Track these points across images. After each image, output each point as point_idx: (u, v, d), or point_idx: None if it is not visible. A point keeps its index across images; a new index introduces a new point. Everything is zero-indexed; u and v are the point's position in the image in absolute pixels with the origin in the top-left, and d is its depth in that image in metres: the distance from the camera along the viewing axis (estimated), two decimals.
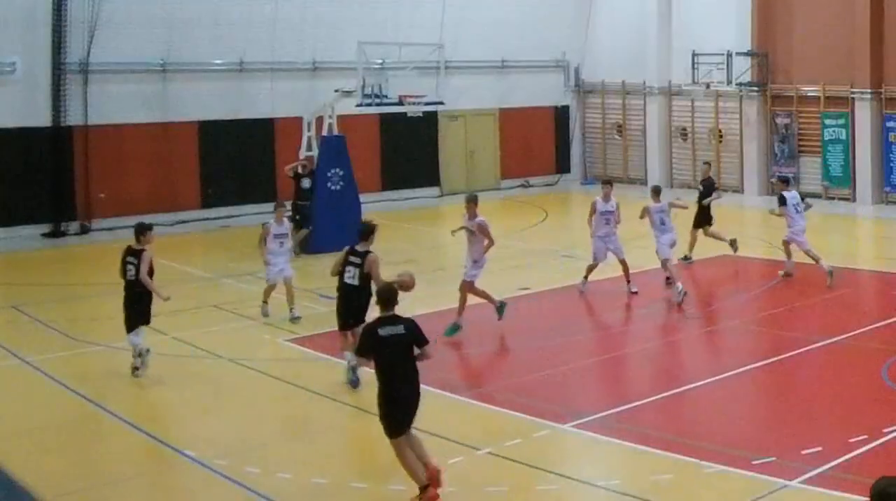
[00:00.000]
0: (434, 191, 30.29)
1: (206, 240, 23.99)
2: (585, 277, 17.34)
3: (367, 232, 12.39)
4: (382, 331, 8.75)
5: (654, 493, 8.97)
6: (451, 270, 19.52)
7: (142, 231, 13.02)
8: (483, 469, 9.69)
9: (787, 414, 11.23)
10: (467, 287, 14.83)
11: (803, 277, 18.47)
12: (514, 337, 14.90)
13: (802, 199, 18.42)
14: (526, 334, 14.87)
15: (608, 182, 18.18)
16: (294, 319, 15.46)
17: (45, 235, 23.69)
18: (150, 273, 12.68)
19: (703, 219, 19.83)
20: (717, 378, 12.56)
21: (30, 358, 13.67)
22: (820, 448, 9.72)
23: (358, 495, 9.26)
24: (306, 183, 21.26)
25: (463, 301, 14.79)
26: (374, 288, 10.83)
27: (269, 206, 25.04)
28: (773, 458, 9.53)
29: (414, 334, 8.84)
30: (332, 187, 21.37)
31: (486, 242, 14.70)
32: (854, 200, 27.15)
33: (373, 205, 24.81)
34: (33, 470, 9.78)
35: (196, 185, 25.94)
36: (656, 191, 17.92)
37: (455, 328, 14.57)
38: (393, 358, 8.77)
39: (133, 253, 12.80)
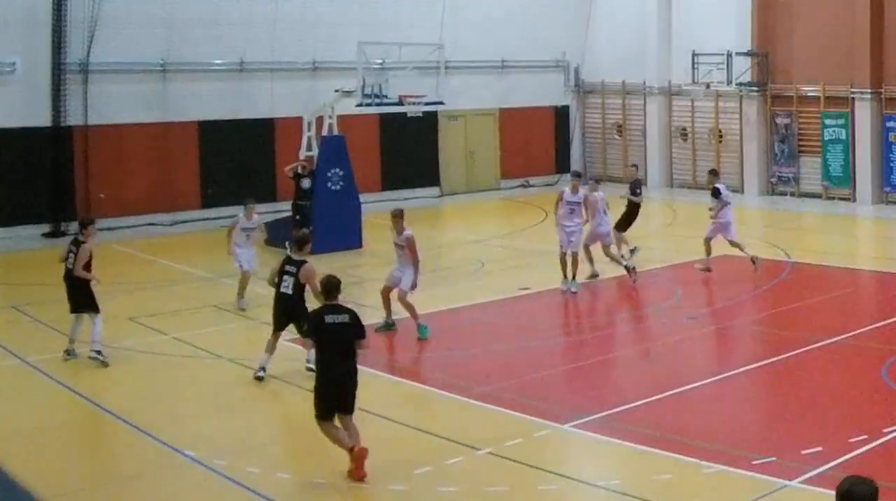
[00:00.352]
0: (434, 191, 30.29)
1: (206, 239, 23.93)
2: (564, 275, 17.23)
3: (302, 241, 12.44)
4: (328, 319, 9.43)
5: (654, 493, 8.97)
6: (451, 270, 19.55)
7: (84, 224, 13.66)
8: (483, 469, 9.69)
9: (787, 414, 11.23)
10: (399, 296, 14.63)
11: (803, 277, 18.49)
12: (514, 337, 14.90)
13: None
14: (526, 334, 14.87)
15: (578, 174, 19.01)
16: (241, 309, 16.23)
17: (45, 235, 23.68)
18: (87, 266, 13.31)
19: (625, 222, 19.95)
20: (717, 378, 12.57)
21: (30, 358, 13.67)
22: (820, 448, 9.73)
23: (358, 495, 9.26)
24: (306, 183, 21.27)
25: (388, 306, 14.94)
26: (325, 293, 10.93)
27: (270, 206, 25.22)
28: (774, 458, 9.54)
29: (355, 325, 9.47)
30: (332, 187, 21.37)
31: (413, 257, 14.55)
32: (854, 200, 27.15)
33: (373, 205, 24.80)
34: (33, 470, 9.78)
35: (196, 185, 25.94)
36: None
37: (389, 325, 14.86)
38: (333, 345, 9.38)
39: (76, 243, 13.47)
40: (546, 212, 26.83)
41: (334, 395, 9.40)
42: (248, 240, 16.83)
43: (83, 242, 13.34)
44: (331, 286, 9.66)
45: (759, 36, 28.66)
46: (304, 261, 12.25)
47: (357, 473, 9.32)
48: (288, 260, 12.45)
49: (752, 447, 9.92)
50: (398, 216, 14.65)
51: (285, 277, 12.30)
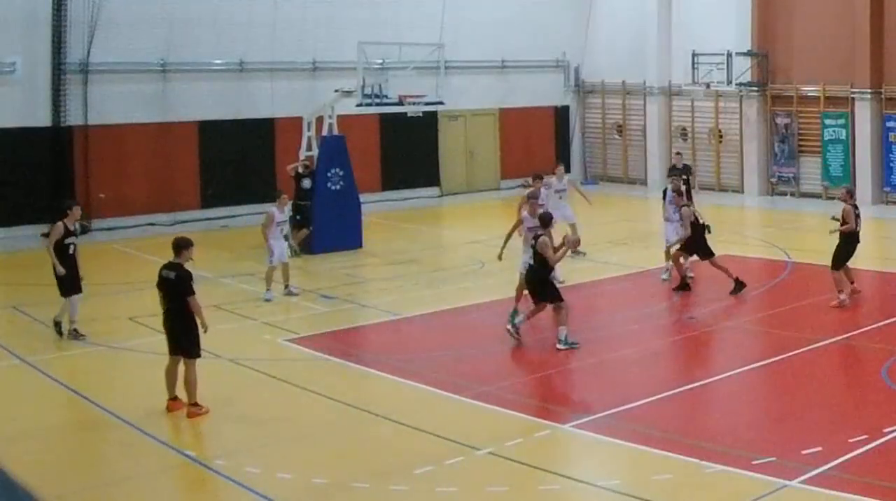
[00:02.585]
0: (434, 190, 30.28)
1: (206, 239, 23.89)
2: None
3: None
4: (163, 273, 11.27)
5: (654, 493, 8.97)
6: (451, 270, 19.55)
7: (68, 206, 14.86)
8: (483, 469, 9.69)
9: (787, 414, 11.23)
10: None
11: (803, 277, 18.49)
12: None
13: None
14: (526, 334, 14.87)
15: (540, 177, 18.69)
16: (291, 294, 17.02)
17: (45, 235, 23.60)
18: (57, 246, 14.21)
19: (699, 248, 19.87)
20: (717, 378, 12.57)
21: (30, 358, 13.67)
22: (820, 448, 9.73)
23: (358, 495, 9.25)
24: (307, 183, 21.28)
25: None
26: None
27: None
28: (773, 458, 9.54)
29: (181, 282, 11.11)
30: (332, 187, 21.37)
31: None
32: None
33: (373, 205, 24.84)
34: (33, 470, 9.78)
35: (196, 185, 25.92)
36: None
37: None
38: (165, 296, 11.23)
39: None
40: None
41: (168, 341, 11.37)
42: (281, 232, 17.45)
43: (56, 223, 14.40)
44: (174, 244, 11.38)
45: (759, 36, 28.66)
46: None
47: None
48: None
49: (752, 447, 9.92)
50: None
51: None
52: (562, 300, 13.80)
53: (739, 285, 16.67)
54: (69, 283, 14.35)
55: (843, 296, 15.85)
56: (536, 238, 14.05)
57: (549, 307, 13.91)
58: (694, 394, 12.05)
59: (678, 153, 23.45)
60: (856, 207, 16.22)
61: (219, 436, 10.84)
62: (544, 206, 16.95)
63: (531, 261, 14.14)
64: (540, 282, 13.98)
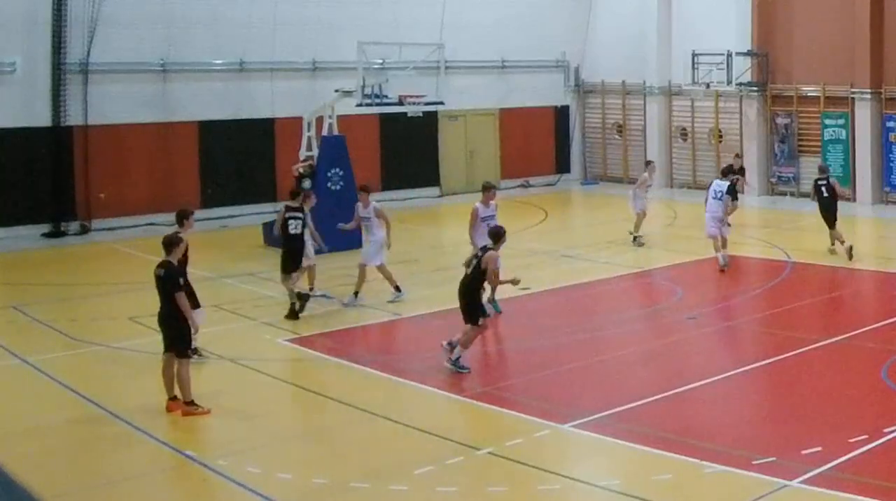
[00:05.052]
0: (434, 190, 30.29)
1: (206, 239, 23.94)
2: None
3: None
4: (155, 271, 11.46)
5: (654, 493, 8.97)
6: (451, 270, 19.53)
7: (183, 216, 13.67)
8: (483, 469, 9.69)
9: (787, 414, 11.23)
10: None
11: (803, 277, 18.50)
12: (515, 337, 14.90)
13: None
14: (526, 334, 14.87)
15: (489, 187, 16.23)
16: (328, 298, 16.63)
17: (45, 235, 23.68)
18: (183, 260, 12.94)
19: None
20: (717, 378, 12.57)
21: (30, 358, 13.67)
22: (820, 448, 9.73)
23: (358, 495, 9.25)
24: (307, 183, 21.26)
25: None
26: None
27: (269, 206, 25.25)
28: (773, 458, 9.54)
29: (169, 279, 11.30)
30: (332, 187, 21.36)
31: None
32: (854, 200, 27.11)
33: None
34: (33, 470, 9.78)
35: (196, 185, 25.92)
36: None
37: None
38: (159, 293, 11.46)
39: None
40: (546, 211, 26.87)
41: (163, 336, 11.54)
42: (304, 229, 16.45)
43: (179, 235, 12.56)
44: (164, 242, 11.60)
45: (759, 36, 28.66)
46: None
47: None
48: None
49: (753, 447, 9.92)
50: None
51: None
52: (482, 326, 12.86)
53: None
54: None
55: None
56: (485, 250, 12.95)
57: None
58: (694, 394, 12.05)
59: (737, 155, 23.27)
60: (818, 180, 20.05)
61: (219, 436, 10.84)
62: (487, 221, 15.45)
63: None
64: (471, 297, 12.87)
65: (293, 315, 15.45)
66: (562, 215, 28.27)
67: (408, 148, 29.19)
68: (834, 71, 27.15)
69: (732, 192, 19.54)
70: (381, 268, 16.58)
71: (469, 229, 15.75)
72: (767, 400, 12.16)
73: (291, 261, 15.78)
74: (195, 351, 12.99)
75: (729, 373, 12.69)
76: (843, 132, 27.30)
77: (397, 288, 16.58)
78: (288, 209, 16.19)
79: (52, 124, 23.76)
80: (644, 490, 8.99)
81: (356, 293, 16.30)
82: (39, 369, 13.23)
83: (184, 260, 12.33)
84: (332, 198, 21.27)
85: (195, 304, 12.76)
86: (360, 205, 16.95)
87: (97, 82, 24.26)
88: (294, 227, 15.98)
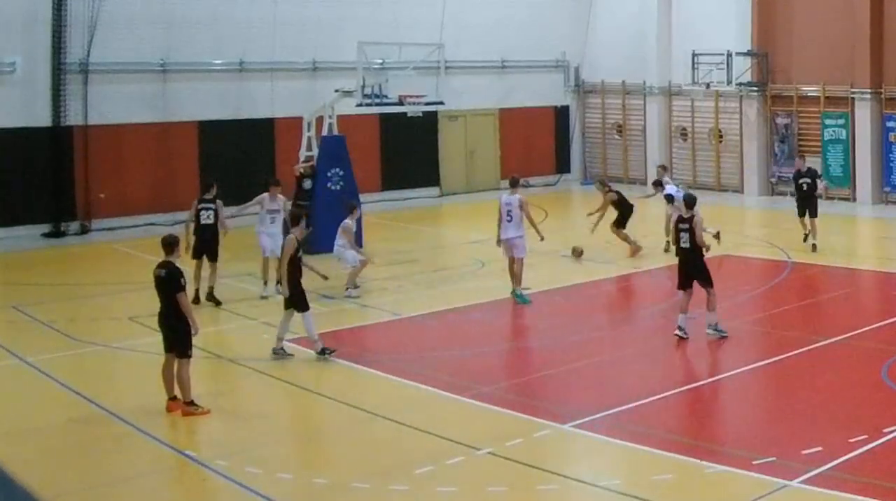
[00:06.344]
0: (434, 190, 30.29)
1: None
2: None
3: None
4: (155, 271, 11.42)
5: (654, 493, 8.97)
6: (451, 270, 19.55)
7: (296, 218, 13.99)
8: (483, 469, 9.69)
9: (787, 414, 11.23)
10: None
11: (803, 277, 18.49)
12: (515, 337, 14.90)
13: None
14: (526, 334, 14.88)
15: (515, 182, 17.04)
16: (264, 297, 16.54)
17: (45, 235, 23.68)
18: (293, 260, 13.39)
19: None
20: (717, 378, 12.57)
21: (30, 358, 13.67)
22: (820, 448, 9.73)
23: (358, 495, 9.25)
24: (308, 183, 21.27)
25: None
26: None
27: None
28: (774, 458, 9.54)
29: (171, 280, 11.24)
30: (332, 187, 21.35)
31: None
32: (854, 200, 27.15)
33: (373, 205, 24.83)
34: (33, 470, 9.79)
35: (196, 186, 25.85)
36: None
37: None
38: (159, 293, 11.41)
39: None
40: (546, 211, 26.84)
41: (163, 337, 11.53)
42: (272, 223, 16.80)
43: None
44: (163, 243, 11.49)
45: (759, 36, 28.66)
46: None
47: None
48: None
49: (753, 447, 9.92)
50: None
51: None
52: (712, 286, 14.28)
53: None
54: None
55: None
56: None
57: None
58: (694, 394, 12.05)
59: (801, 156, 23.19)
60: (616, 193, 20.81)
61: (219, 436, 10.83)
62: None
63: None
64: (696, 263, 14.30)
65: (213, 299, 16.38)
66: (562, 215, 28.24)
67: (408, 148, 29.18)
68: (834, 71, 27.15)
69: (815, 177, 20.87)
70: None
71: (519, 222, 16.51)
72: (767, 400, 12.16)
73: (209, 251, 16.49)
74: (281, 350, 13.30)
75: (729, 373, 12.70)
76: (843, 132, 27.29)
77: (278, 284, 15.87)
78: (201, 201, 17.01)
79: (52, 124, 23.76)
80: (644, 490, 8.99)
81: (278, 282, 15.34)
82: (39, 369, 13.23)
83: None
84: (333, 198, 21.27)
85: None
86: (267, 196, 17.16)
87: (97, 82, 24.26)
88: (206, 217, 16.75)
